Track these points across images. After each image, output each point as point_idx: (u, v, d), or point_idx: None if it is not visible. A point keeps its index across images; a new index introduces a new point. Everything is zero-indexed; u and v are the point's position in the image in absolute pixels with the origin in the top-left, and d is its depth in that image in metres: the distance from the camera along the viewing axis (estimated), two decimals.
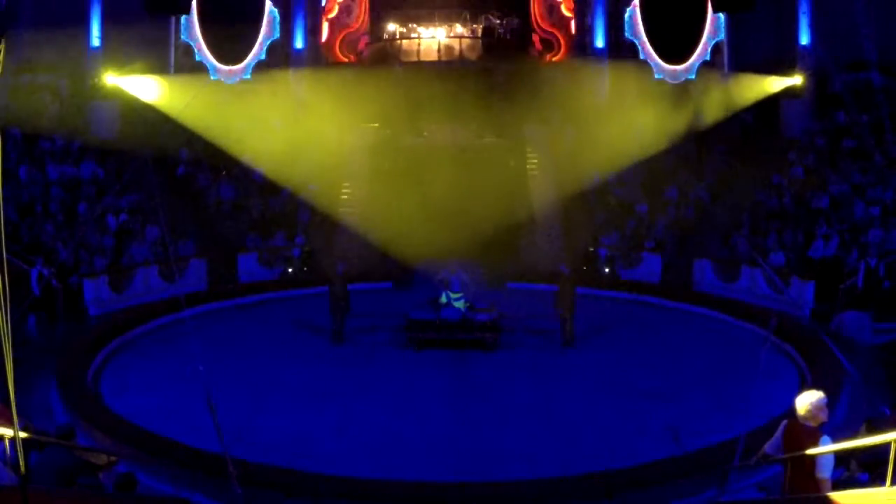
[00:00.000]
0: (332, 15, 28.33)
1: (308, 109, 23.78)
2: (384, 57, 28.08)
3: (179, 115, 22.94)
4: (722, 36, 27.61)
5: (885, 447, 6.55)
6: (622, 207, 22.87)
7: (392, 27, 28.57)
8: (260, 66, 27.15)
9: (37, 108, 24.56)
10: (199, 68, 27.59)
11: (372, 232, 22.41)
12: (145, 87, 23.96)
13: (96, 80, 25.01)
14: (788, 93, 24.77)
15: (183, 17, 26.90)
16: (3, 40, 5.45)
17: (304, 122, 23.25)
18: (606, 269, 21.08)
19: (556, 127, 25.36)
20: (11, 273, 16.57)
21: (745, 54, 27.11)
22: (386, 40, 28.51)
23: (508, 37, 28.41)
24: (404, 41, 28.27)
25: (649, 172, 23.56)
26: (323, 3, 27.88)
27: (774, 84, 24.51)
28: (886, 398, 11.81)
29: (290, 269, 21.22)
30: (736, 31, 27.18)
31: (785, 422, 6.99)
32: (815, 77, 25.23)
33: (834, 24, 24.72)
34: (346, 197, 23.93)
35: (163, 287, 18.84)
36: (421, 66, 27.23)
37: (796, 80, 24.49)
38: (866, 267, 17.61)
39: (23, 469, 5.58)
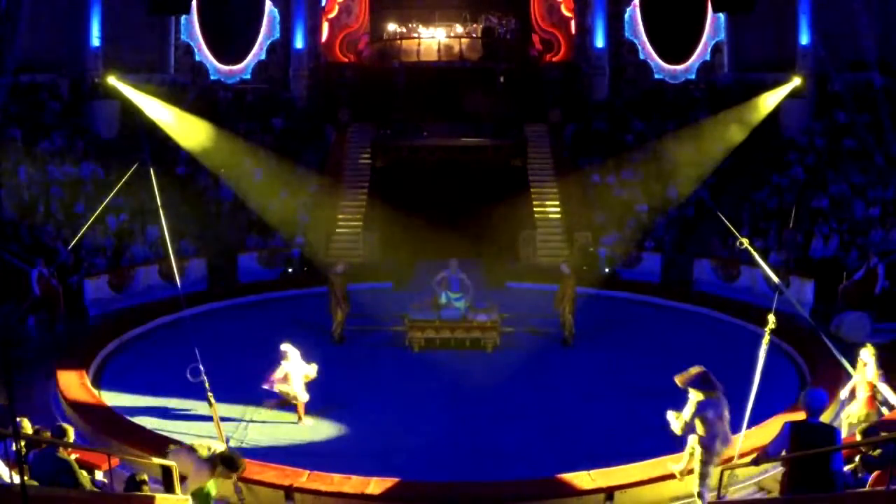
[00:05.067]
0: (332, 15, 28.37)
1: None
2: (384, 57, 28.10)
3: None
4: (722, 36, 27.67)
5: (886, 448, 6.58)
6: (622, 207, 22.87)
7: (392, 27, 28.59)
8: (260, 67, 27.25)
9: (37, 108, 24.58)
10: (199, 68, 27.68)
11: (373, 232, 22.45)
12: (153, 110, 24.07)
13: (96, 80, 25.02)
14: (788, 93, 24.79)
15: (183, 17, 26.96)
16: None
17: None
18: (606, 269, 21.08)
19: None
20: (11, 273, 16.53)
21: (745, 54, 27.14)
22: (386, 40, 28.52)
23: (508, 37, 28.42)
24: (404, 41, 28.28)
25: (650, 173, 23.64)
26: (323, 3, 27.91)
27: (772, 99, 24.46)
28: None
29: (290, 269, 21.22)
30: (736, 31, 27.22)
31: (788, 423, 7.01)
32: (815, 77, 25.23)
33: (834, 24, 24.73)
34: (346, 199, 23.95)
35: (163, 287, 18.85)
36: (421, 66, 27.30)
37: (795, 82, 24.49)
38: (866, 267, 17.62)
39: (23, 469, 5.59)
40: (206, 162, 23.26)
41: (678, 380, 8.75)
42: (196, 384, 9.97)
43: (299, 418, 12.22)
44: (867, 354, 10.36)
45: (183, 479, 8.24)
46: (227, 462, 8.47)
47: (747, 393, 8.90)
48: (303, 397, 12.19)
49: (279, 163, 23.90)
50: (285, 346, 12.32)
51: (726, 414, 8.68)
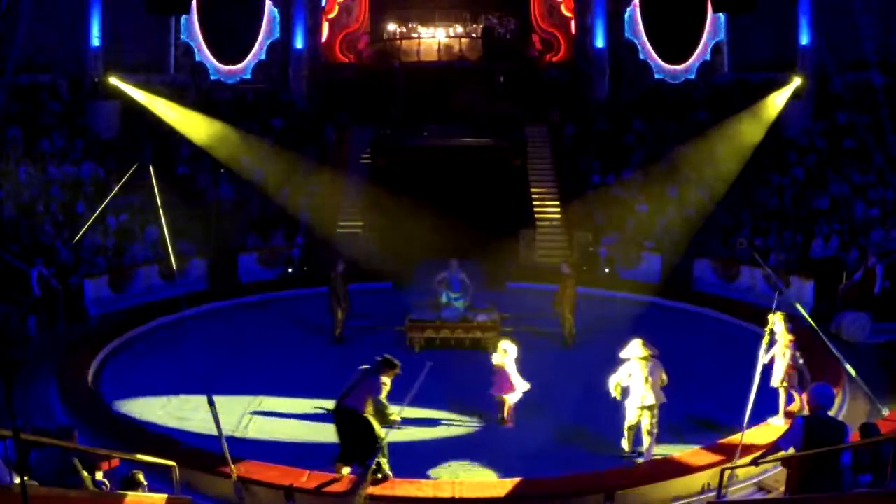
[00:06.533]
0: (332, 15, 28.36)
1: None
2: (384, 57, 28.10)
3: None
4: (722, 36, 27.66)
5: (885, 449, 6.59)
6: (622, 207, 22.85)
7: (392, 27, 28.58)
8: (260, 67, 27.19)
9: (37, 108, 24.58)
10: (200, 68, 27.66)
11: (373, 232, 22.42)
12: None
13: (96, 80, 25.02)
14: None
15: (183, 17, 26.95)
16: None
17: None
18: (606, 269, 21.05)
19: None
20: (11, 273, 16.53)
21: (745, 54, 27.14)
22: (386, 40, 28.51)
23: (508, 37, 28.41)
24: (404, 41, 28.27)
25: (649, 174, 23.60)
26: (323, 3, 27.90)
27: (780, 99, 24.41)
28: (886, 398, 11.83)
29: (290, 269, 21.20)
30: (736, 32, 27.20)
31: (800, 417, 7.04)
32: (815, 77, 25.21)
33: (834, 24, 24.73)
34: (346, 199, 23.92)
35: (163, 287, 18.84)
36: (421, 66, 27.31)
37: (796, 82, 24.47)
38: (864, 267, 17.62)
39: (23, 469, 5.59)
40: (210, 158, 23.27)
41: (623, 354, 10.56)
42: (196, 383, 9.97)
43: (503, 420, 12.00)
44: (778, 322, 11.07)
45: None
46: (388, 364, 9.69)
47: (747, 393, 8.91)
48: (515, 397, 11.96)
49: (280, 162, 23.88)
50: (505, 344, 12.01)
51: (664, 376, 10.44)
